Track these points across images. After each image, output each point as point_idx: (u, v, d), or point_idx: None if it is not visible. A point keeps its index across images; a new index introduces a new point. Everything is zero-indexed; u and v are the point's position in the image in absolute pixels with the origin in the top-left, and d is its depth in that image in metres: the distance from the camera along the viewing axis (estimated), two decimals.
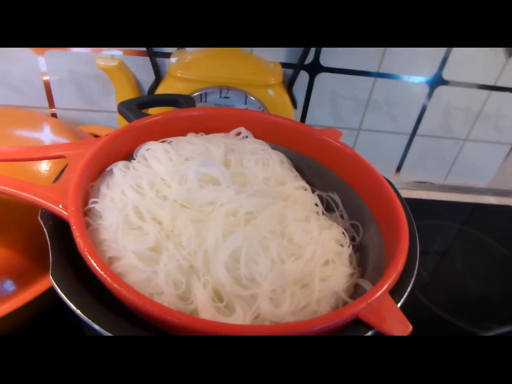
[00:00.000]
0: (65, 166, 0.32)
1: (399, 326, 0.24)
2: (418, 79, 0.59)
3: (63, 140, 0.47)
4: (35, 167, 0.40)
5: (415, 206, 0.35)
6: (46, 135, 0.48)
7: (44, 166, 0.41)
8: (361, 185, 0.36)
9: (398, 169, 0.68)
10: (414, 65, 0.57)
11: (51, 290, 0.36)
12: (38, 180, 0.40)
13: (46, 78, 0.55)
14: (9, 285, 0.35)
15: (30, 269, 0.36)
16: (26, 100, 0.57)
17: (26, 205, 0.36)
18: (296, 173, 0.39)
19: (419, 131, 0.63)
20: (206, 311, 0.24)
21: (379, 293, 0.25)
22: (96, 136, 0.54)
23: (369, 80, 0.58)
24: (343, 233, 0.33)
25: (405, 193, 0.64)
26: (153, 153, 0.34)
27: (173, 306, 0.24)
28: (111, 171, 0.33)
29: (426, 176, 0.69)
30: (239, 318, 0.24)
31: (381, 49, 0.56)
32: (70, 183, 0.29)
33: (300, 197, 0.35)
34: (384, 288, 0.25)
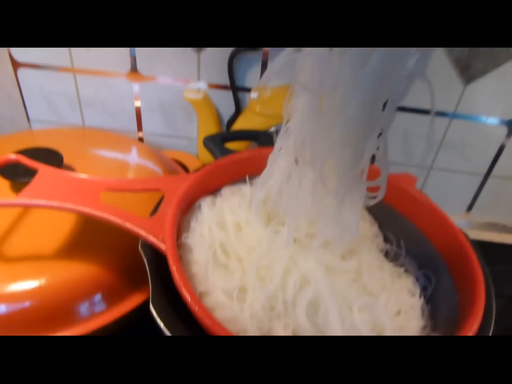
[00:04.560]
0: (161, 199, 0.36)
1: None
2: (497, 121, 0.57)
3: (148, 163, 0.52)
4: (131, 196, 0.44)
5: (484, 249, 0.34)
6: (133, 158, 0.54)
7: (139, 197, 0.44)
8: (435, 235, 0.37)
9: (469, 208, 0.66)
10: (493, 106, 0.56)
11: (138, 308, 0.40)
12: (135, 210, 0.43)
13: (138, 105, 0.61)
14: (100, 302, 0.38)
15: (121, 287, 0.39)
16: (119, 124, 0.63)
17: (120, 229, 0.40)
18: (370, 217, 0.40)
19: (494, 172, 0.62)
20: None
21: None
22: (176, 161, 0.58)
23: (444, 120, 0.58)
24: (414, 282, 0.34)
25: (474, 234, 0.62)
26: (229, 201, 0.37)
27: None
28: (199, 205, 0.36)
29: (498, 217, 0.67)
30: None
31: (460, 88, 0.55)
32: (167, 217, 0.32)
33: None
34: None
